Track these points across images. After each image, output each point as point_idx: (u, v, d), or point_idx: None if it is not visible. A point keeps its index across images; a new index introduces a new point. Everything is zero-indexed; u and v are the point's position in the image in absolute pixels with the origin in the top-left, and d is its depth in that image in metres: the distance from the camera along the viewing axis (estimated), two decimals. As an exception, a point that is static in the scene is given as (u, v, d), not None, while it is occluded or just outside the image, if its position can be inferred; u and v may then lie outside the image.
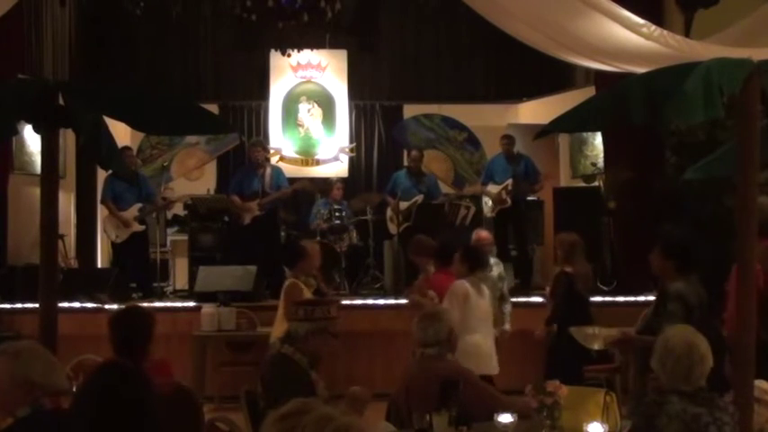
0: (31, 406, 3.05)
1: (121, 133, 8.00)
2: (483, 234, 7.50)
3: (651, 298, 7.98)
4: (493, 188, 10.18)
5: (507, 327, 7.20)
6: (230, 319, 7.89)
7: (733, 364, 3.76)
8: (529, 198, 10.44)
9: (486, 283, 6.49)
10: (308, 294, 6.57)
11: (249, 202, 9.40)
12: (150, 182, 9.88)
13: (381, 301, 8.76)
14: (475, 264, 6.28)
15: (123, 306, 5.24)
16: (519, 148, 10.43)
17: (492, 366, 6.19)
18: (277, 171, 9.91)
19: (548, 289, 6.97)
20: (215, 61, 12.84)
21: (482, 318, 6.18)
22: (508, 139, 10.29)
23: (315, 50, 12.30)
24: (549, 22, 6.99)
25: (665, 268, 4.99)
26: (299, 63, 12.45)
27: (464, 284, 6.12)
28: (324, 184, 11.06)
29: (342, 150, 12.68)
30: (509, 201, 9.97)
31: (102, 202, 9.43)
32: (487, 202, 10.31)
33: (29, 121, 4.31)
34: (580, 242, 6.76)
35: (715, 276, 6.78)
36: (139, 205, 9.15)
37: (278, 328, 6.74)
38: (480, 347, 6.07)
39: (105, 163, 5.33)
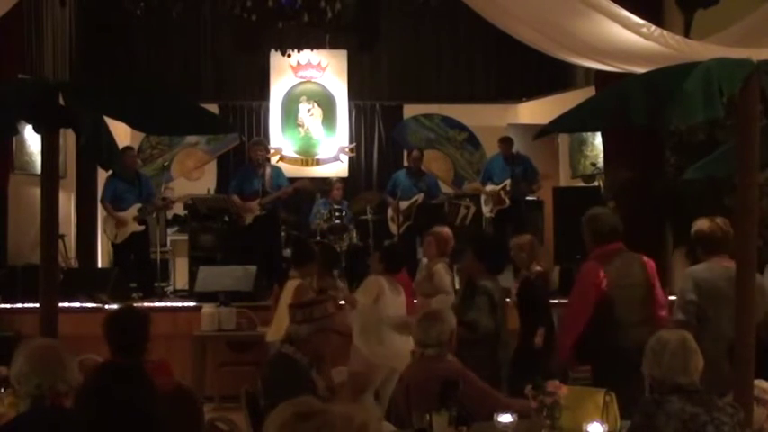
0: (33, 403, 3.07)
1: (121, 133, 8.01)
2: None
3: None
4: (491, 188, 10.20)
5: None
6: (230, 319, 7.89)
7: (733, 364, 3.76)
8: (528, 198, 10.47)
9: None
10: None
11: (250, 202, 9.40)
12: (151, 181, 9.88)
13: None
14: (390, 264, 6.34)
15: (120, 307, 5.24)
16: (519, 148, 10.45)
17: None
18: (277, 171, 9.91)
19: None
20: (215, 61, 12.84)
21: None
22: (506, 141, 10.32)
23: (315, 50, 12.32)
24: (549, 23, 6.99)
25: (476, 269, 5.45)
26: (299, 63, 12.46)
27: (379, 280, 6.20)
28: (324, 184, 11.07)
29: (342, 150, 12.68)
30: (507, 201, 9.99)
31: (101, 202, 9.43)
32: (486, 202, 10.33)
33: (29, 121, 4.32)
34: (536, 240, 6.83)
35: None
36: (139, 205, 9.14)
37: (277, 328, 6.76)
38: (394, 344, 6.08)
39: (105, 163, 5.33)
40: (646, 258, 5.19)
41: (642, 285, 5.07)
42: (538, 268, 6.43)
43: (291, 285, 6.35)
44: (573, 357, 5.00)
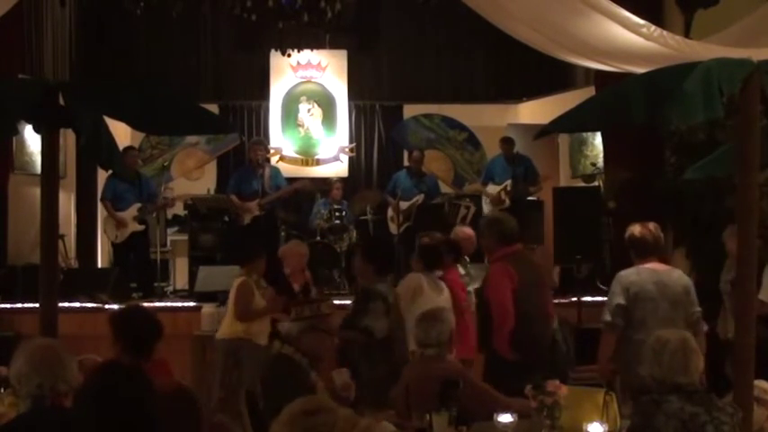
0: (33, 403, 3.07)
1: (121, 133, 8.02)
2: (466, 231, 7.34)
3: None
4: (492, 188, 10.21)
5: None
6: (230, 319, 7.88)
7: (733, 363, 3.77)
8: (528, 198, 10.47)
9: None
10: (258, 295, 6.69)
11: (248, 202, 9.40)
12: (152, 181, 9.88)
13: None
14: (429, 262, 6.23)
15: (129, 305, 5.24)
16: (519, 148, 10.46)
17: None
18: (275, 171, 9.91)
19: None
20: (215, 61, 12.84)
21: None
22: (507, 142, 10.33)
23: (315, 50, 12.31)
24: (549, 23, 6.99)
25: (366, 271, 5.50)
26: (299, 63, 12.45)
27: (418, 278, 6.08)
28: (324, 184, 11.07)
29: (342, 150, 12.68)
30: (507, 201, 9.99)
31: (102, 201, 9.43)
32: (486, 203, 10.33)
33: (29, 121, 4.32)
34: None
35: (716, 276, 6.81)
36: (138, 205, 9.14)
37: (227, 326, 6.80)
38: None
39: (105, 163, 5.32)
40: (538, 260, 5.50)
41: (540, 284, 5.45)
42: None
43: (235, 283, 6.57)
44: (509, 351, 5.21)
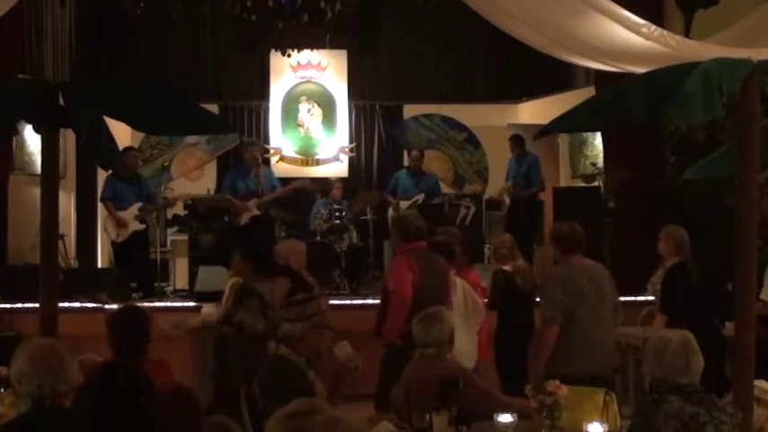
0: (33, 403, 3.07)
1: (121, 133, 7.99)
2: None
3: (651, 297, 8.02)
4: (503, 186, 10.31)
5: None
6: (230, 319, 7.88)
7: (732, 363, 3.77)
8: (531, 199, 10.48)
9: None
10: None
11: (247, 202, 9.39)
12: (151, 182, 9.88)
13: (381, 301, 8.74)
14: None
15: (122, 306, 5.25)
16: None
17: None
18: (269, 171, 9.92)
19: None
20: (215, 61, 12.84)
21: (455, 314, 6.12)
22: (511, 140, 10.36)
23: (315, 50, 12.31)
24: (549, 22, 6.99)
25: (244, 269, 5.69)
26: (299, 63, 12.46)
27: None
28: (324, 184, 11.07)
29: (342, 150, 12.68)
30: (507, 200, 10.01)
31: (102, 201, 9.43)
32: (505, 200, 10.40)
33: (29, 121, 4.31)
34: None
35: (717, 276, 6.81)
36: (139, 204, 9.14)
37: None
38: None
39: (105, 163, 5.33)
40: (442, 258, 5.80)
41: (441, 281, 5.61)
42: (507, 268, 6.70)
43: (229, 282, 6.41)
44: (397, 338, 5.35)
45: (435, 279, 5.56)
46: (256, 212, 9.35)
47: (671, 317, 6.06)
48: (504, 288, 6.68)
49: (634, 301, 7.91)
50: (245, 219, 9.38)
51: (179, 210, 10.81)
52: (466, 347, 5.67)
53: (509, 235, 7.14)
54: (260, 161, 9.63)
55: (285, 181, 10.27)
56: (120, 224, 9.08)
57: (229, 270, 6.11)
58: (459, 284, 5.99)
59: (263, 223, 9.41)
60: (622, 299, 8.31)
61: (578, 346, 5.08)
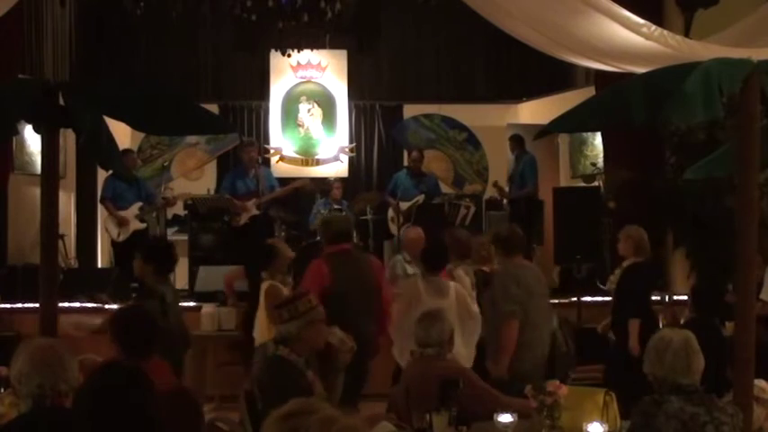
0: (34, 403, 3.07)
1: (121, 133, 7.99)
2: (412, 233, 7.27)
3: (652, 297, 8.03)
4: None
5: None
6: (230, 319, 7.88)
7: (732, 363, 3.77)
8: (529, 198, 10.48)
9: None
10: (286, 294, 6.57)
11: (245, 203, 9.38)
12: (149, 183, 9.88)
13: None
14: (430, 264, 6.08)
15: (128, 306, 5.25)
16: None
17: None
18: (267, 171, 9.91)
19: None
20: (215, 61, 12.84)
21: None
22: (510, 140, 10.39)
23: (315, 50, 12.30)
24: (549, 23, 6.99)
25: (145, 271, 5.69)
26: (299, 63, 12.46)
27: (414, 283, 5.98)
28: (324, 184, 11.07)
29: (342, 150, 12.68)
30: (501, 198, 10.04)
31: (102, 201, 9.43)
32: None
33: (29, 121, 4.32)
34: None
35: (719, 276, 6.81)
36: (139, 204, 9.15)
37: (266, 332, 6.70)
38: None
39: (105, 163, 5.33)
40: (374, 259, 6.05)
41: (366, 285, 5.68)
42: (485, 268, 6.64)
43: (263, 288, 6.36)
44: None
45: (357, 283, 5.61)
46: (255, 212, 9.35)
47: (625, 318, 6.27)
48: (484, 289, 6.62)
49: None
50: (244, 219, 9.37)
51: (179, 210, 10.80)
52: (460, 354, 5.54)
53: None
54: (258, 161, 9.62)
55: (285, 181, 10.27)
56: (122, 223, 9.08)
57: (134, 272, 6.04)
58: (452, 288, 5.87)
59: (262, 223, 9.41)
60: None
61: (531, 343, 5.33)
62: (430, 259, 6.04)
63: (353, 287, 5.56)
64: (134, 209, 9.12)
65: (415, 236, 6.94)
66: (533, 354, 5.34)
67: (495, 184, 10.73)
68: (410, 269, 6.96)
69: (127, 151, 9.33)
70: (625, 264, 6.50)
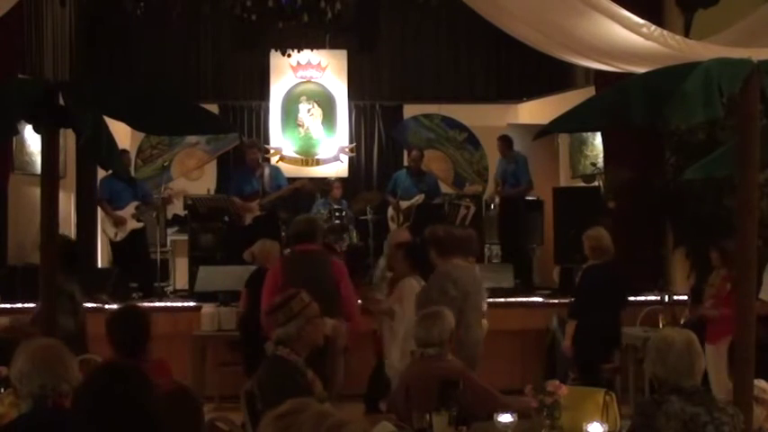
0: (35, 403, 3.07)
1: (121, 133, 8.01)
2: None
3: (651, 297, 8.05)
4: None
5: None
6: (230, 319, 7.89)
7: (732, 363, 3.77)
8: (529, 198, 10.48)
9: None
10: None
11: (249, 203, 9.39)
12: (146, 183, 9.90)
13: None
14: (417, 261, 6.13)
15: (121, 306, 5.26)
16: (519, 148, 10.48)
17: None
18: (276, 170, 9.90)
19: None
20: (215, 61, 12.84)
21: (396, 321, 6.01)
22: (499, 140, 10.40)
23: (315, 50, 12.31)
24: (549, 22, 6.99)
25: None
26: (299, 63, 12.46)
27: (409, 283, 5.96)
28: (323, 184, 11.07)
29: (342, 150, 12.68)
30: (497, 199, 10.04)
31: (98, 203, 9.44)
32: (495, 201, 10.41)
33: (29, 121, 4.31)
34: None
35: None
36: (136, 203, 9.15)
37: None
38: None
39: (105, 163, 5.33)
40: (336, 260, 6.15)
41: (328, 281, 5.75)
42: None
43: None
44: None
45: (312, 283, 5.43)
46: (258, 213, 9.35)
47: (581, 317, 6.43)
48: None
49: (634, 301, 7.93)
50: (248, 219, 9.38)
51: (179, 210, 10.81)
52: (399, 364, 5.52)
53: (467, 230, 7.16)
54: (260, 161, 9.62)
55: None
56: (119, 222, 9.08)
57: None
58: (406, 288, 5.89)
59: (266, 223, 9.41)
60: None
61: (465, 342, 5.35)
62: (414, 257, 6.14)
63: (308, 287, 5.55)
64: (130, 208, 9.12)
65: (404, 238, 6.83)
66: (468, 354, 5.30)
67: (496, 189, 10.63)
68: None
69: (122, 151, 9.34)
70: (584, 266, 6.67)
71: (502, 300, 8.26)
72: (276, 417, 2.10)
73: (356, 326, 5.97)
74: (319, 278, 5.65)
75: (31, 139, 9.54)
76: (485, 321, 5.80)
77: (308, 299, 4.24)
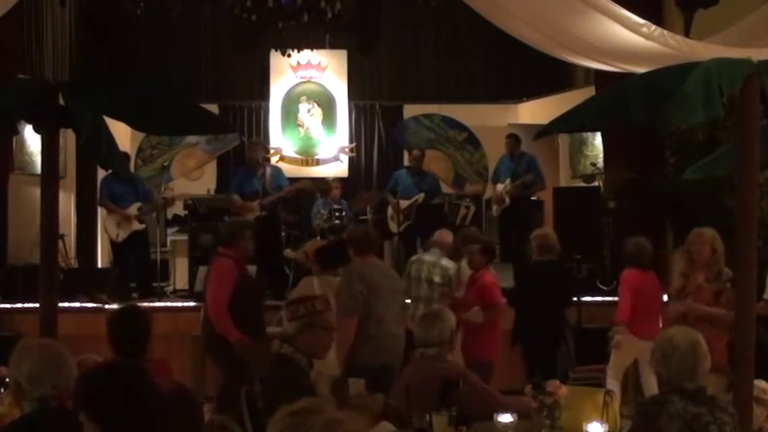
0: (38, 403, 3.07)
1: (121, 133, 8.01)
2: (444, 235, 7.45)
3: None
4: (500, 187, 10.24)
5: None
6: (230, 319, 7.87)
7: (732, 363, 3.76)
8: (530, 198, 10.47)
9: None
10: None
11: (250, 202, 9.38)
12: (147, 182, 9.89)
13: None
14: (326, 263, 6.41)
15: (121, 306, 5.25)
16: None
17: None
18: (277, 171, 9.89)
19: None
20: (215, 61, 12.84)
21: None
22: (509, 139, 10.34)
23: (315, 50, 12.31)
24: (549, 22, 6.98)
25: None
26: (299, 63, 12.46)
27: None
28: (323, 184, 11.07)
29: (342, 150, 12.68)
30: (507, 200, 9.99)
31: (101, 204, 9.43)
32: (493, 202, 10.36)
33: (29, 121, 4.32)
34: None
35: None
36: (138, 204, 9.15)
37: None
38: None
39: (105, 163, 5.33)
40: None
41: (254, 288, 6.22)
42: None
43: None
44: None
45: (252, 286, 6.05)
46: (259, 212, 9.34)
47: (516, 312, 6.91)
48: None
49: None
50: (248, 219, 9.37)
51: (179, 210, 10.81)
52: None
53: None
54: (260, 160, 9.61)
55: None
56: (124, 219, 9.05)
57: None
58: (315, 286, 6.17)
59: (266, 223, 9.40)
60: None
61: (375, 336, 5.58)
62: (325, 258, 6.44)
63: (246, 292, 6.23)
64: (133, 209, 9.12)
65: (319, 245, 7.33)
66: (379, 348, 5.57)
67: (506, 190, 10.50)
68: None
69: (122, 154, 9.36)
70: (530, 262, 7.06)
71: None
72: (289, 413, 2.10)
73: None
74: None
75: (31, 139, 9.54)
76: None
77: (320, 307, 4.13)
